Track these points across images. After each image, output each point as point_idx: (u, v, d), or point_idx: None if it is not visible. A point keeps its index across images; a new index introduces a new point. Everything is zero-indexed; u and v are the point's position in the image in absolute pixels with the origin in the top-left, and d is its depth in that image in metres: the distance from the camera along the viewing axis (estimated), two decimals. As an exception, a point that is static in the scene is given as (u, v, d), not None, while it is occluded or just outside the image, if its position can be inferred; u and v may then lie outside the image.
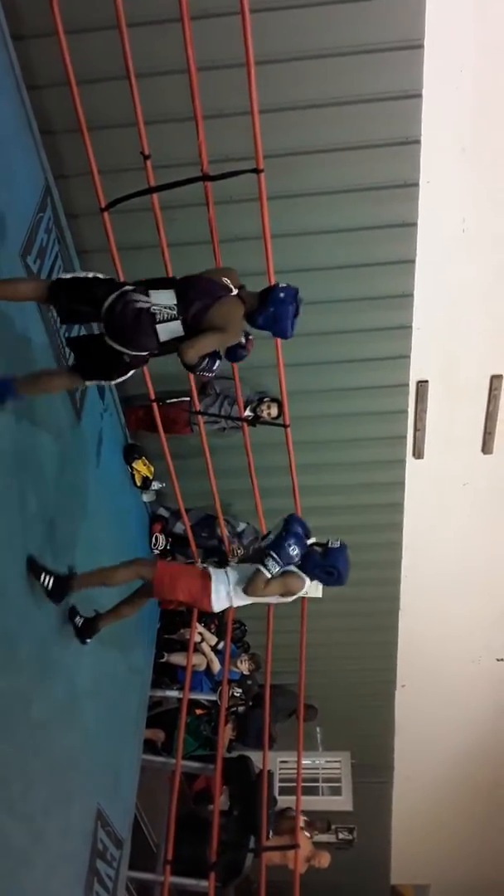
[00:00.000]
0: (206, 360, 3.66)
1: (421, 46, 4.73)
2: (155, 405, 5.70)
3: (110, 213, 4.48)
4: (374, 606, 8.28)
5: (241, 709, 7.00)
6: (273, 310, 3.61)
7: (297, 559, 4.00)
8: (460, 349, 6.34)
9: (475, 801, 11.29)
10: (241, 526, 6.75)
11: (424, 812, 11.43)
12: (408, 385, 6.48)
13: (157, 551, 6.72)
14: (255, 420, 5.98)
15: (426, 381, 6.52)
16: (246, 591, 4.11)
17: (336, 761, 10.89)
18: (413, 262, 5.66)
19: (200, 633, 6.86)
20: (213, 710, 6.84)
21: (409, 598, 8.28)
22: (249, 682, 7.07)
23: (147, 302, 3.49)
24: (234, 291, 3.61)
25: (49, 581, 3.84)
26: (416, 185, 5.28)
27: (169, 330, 3.51)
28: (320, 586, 6.50)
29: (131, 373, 3.77)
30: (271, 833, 6.38)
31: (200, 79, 4.08)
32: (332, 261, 5.66)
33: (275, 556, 3.96)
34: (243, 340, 3.87)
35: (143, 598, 4.47)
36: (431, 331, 6.15)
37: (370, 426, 6.70)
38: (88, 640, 4.39)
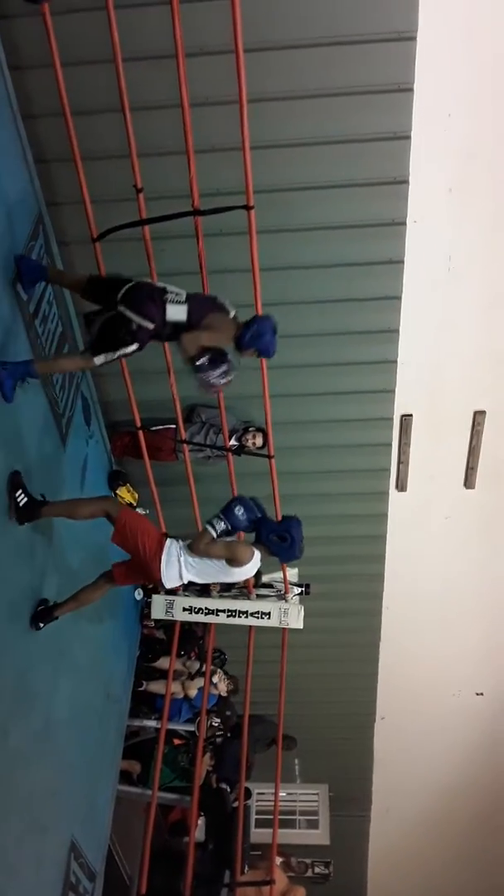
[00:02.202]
0: (207, 359, 4.00)
1: (411, 90, 4.84)
2: (141, 432, 5.71)
3: (101, 242, 4.52)
4: (355, 638, 8.28)
5: (218, 739, 6.93)
6: (256, 326, 4.05)
7: (244, 522, 4.13)
8: (444, 384, 6.41)
9: (454, 836, 11.21)
10: (224, 555, 6.74)
11: (402, 846, 11.34)
12: (392, 419, 6.54)
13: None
14: (240, 449, 6.00)
15: (410, 416, 6.58)
16: (190, 547, 4.19)
17: (314, 794, 10.80)
18: (399, 298, 5.75)
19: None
20: (191, 740, 6.78)
21: (389, 631, 8.29)
22: (228, 712, 7.02)
23: (162, 284, 4.06)
24: (231, 313, 4.13)
25: (23, 500, 3.99)
26: (404, 223, 5.37)
27: (174, 311, 3.95)
28: (301, 615, 6.55)
29: (133, 349, 4.03)
30: (247, 867, 6.30)
31: (193, 114, 4.15)
32: (319, 295, 5.74)
33: (221, 515, 4.12)
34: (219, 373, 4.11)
35: (105, 585, 4.50)
36: (416, 366, 6.23)
37: (354, 458, 6.74)
38: (42, 626, 4.32)
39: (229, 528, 4.13)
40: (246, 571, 4.30)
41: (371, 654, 8.50)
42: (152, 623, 6.94)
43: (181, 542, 4.27)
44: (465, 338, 6.13)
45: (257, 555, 4.23)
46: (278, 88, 4.78)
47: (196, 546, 4.16)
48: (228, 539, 4.23)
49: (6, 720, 3.76)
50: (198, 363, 4.00)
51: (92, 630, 5.41)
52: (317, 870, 9.60)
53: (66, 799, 4.65)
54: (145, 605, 6.79)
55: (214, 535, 4.11)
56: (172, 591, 6.60)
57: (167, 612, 6.55)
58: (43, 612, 4.33)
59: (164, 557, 4.18)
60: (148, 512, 6.45)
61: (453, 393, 6.48)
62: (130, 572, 4.45)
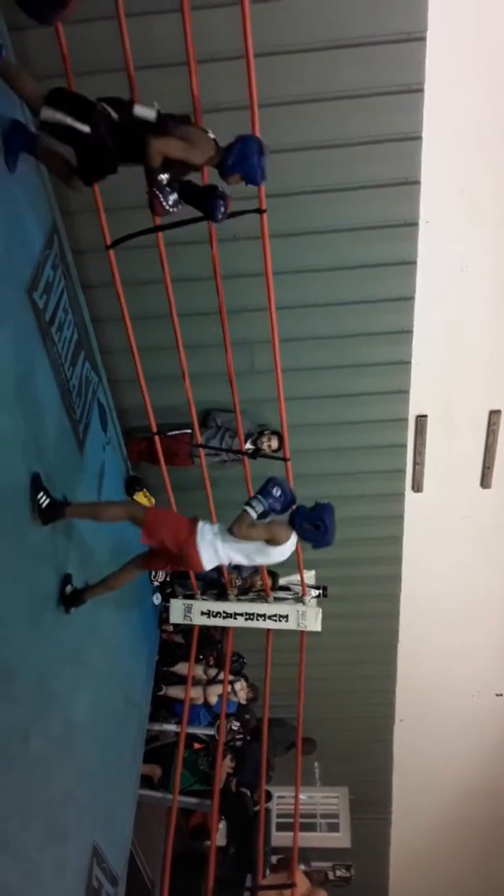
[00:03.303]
0: (168, 178, 3.73)
1: (421, 90, 4.84)
2: (157, 437, 5.74)
3: (115, 249, 4.55)
4: (373, 640, 8.26)
5: (238, 743, 6.94)
6: (238, 147, 3.71)
7: (280, 502, 4.11)
8: (459, 384, 6.40)
9: (475, 838, 11.15)
10: (241, 558, 6.75)
11: (423, 849, 11.28)
12: (407, 419, 6.54)
13: (156, 584, 6.72)
14: (256, 453, 6.01)
15: (425, 416, 6.57)
16: (231, 530, 4.14)
17: (334, 797, 10.77)
18: (412, 299, 5.75)
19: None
20: (211, 744, 6.79)
21: (407, 632, 8.26)
22: (247, 715, 7.02)
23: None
24: (211, 134, 3.80)
25: (45, 501, 3.99)
26: (416, 224, 5.37)
27: (144, 110, 3.67)
28: (319, 617, 6.55)
29: (83, 129, 3.65)
30: (268, 871, 6.29)
31: (205, 120, 4.17)
32: (333, 297, 5.75)
33: (260, 497, 4.10)
34: (221, 195, 3.90)
35: (134, 569, 4.56)
36: (430, 366, 6.22)
37: (370, 460, 6.74)
38: (73, 610, 4.38)
39: (266, 509, 4.10)
40: (284, 551, 4.29)
41: (389, 656, 8.48)
42: (171, 627, 6.96)
43: (214, 525, 4.29)
44: (479, 337, 6.12)
45: (294, 536, 4.24)
46: (289, 92, 4.79)
47: (236, 530, 4.11)
48: (266, 520, 4.22)
49: (27, 725, 3.78)
50: (157, 177, 3.71)
51: (111, 635, 5.43)
52: (338, 873, 9.55)
53: (88, 803, 4.66)
54: (164, 610, 6.81)
55: (255, 516, 4.09)
56: (191, 596, 6.64)
57: (185, 616, 6.58)
58: (73, 596, 4.38)
59: (199, 541, 4.20)
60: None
61: (468, 393, 6.47)
62: (170, 562, 4.50)
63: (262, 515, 4.14)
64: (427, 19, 4.55)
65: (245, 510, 4.11)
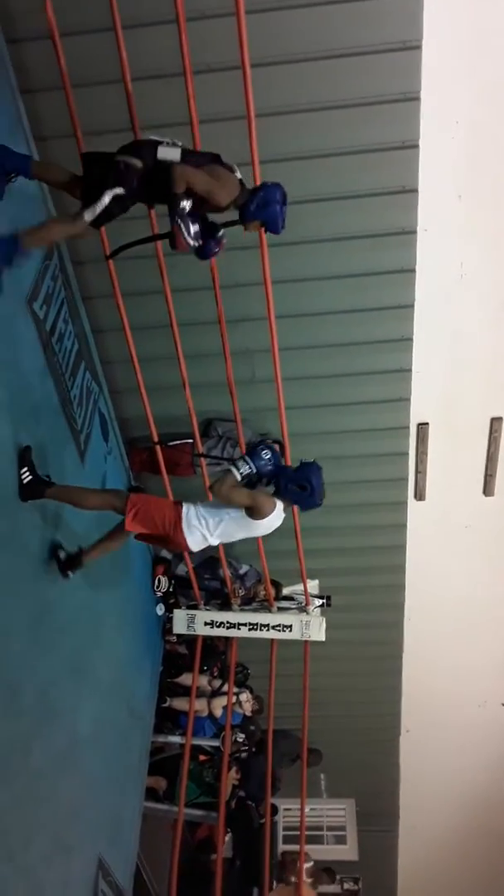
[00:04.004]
0: (190, 204, 3.62)
1: (417, 99, 4.86)
2: (158, 447, 5.74)
3: (115, 259, 4.56)
4: (378, 650, 8.22)
5: (244, 754, 6.90)
6: (262, 193, 3.71)
7: (269, 467, 3.96)
8: (460, 392, 6.39)
9: (483, 850, 11.04)
10: (244, 568, 6.74)
11: (431, 862, 11.17)
12: (408, 427, 6.52)
13: (159, 594, 6.70)
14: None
15: (427, 424, 6.56)
16: (212, 488, 4.00)
17: (340, 809, 10.70)
18: (412, 306, 5.75)
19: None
20: (216, 756, 6.75)
21: (412, 642, 8.22)
22: (252, 727, 6.98)
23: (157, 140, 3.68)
24: (237, 174, 3.73)
25: (27, 478, 3.87)
26: (414, 232, 5.38)
27: (168, 152, 3.60)
28: (323, 627, 6.53)
29: (118, 192, 3.61)
30: (275, 884, 6.24)
31: (203, 130, 4.20)
32: (332, 306, 5.75)
33: (247, 458, 3.96)
34: (197, 228, 3.75)
35: (124, 534, 4.40)
36: (431, 374, 6.21)
37: (371, 468, 6.72)
38: (71, 574, 4.32)
39: (253, 471, 3.95)
40: (268, 525, 4.15)
41: (394, 666, 8.43)
42: (174, 638, 6.93)
43: (199, 505, 4.17)
44: (480, 344, 6.11)
45: (279, 506, 4.08)
46: (286, 102, 4.81)
47: (219, 489, 3.94)
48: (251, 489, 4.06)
49: (29, 738, 3.76)
50: (180, 204, 3.61)
51: (114, 646, 5.41)
52: (346, 886, 9.46)
53: (92, 817, 4.63)
54: (167, 620, 6.79)
55: (238, 477, 3.93)
56: (194, 606, 6.62)
57: (189, 626, 6.56)
58: (70, 561, 4.32)
59: (184, 526, 4.09)
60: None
61: (469, 400, 6.45)
62: (156, 542, 4.43)
63: (246, 478, 3.97)
64: (422, 28, 4.58)
65: (230, 469, 3.97)
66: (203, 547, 4.27)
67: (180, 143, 3.67)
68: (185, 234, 3.68)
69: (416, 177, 5.15)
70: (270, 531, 4.26)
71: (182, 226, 3.65)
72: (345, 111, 4.89)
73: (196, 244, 3.76)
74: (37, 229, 3.85)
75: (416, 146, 5.02)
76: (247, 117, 4.02)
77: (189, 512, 4.13)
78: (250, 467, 3.94)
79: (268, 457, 3.96)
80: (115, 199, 3.60)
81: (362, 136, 4.97)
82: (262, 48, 4.32)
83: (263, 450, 3.98)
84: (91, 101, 4.43)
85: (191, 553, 5.09)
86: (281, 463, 4.08)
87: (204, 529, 4.12)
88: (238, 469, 3.94)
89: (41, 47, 4.20)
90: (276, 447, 4.15)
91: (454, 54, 4.76)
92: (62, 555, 4.33)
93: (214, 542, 4.22)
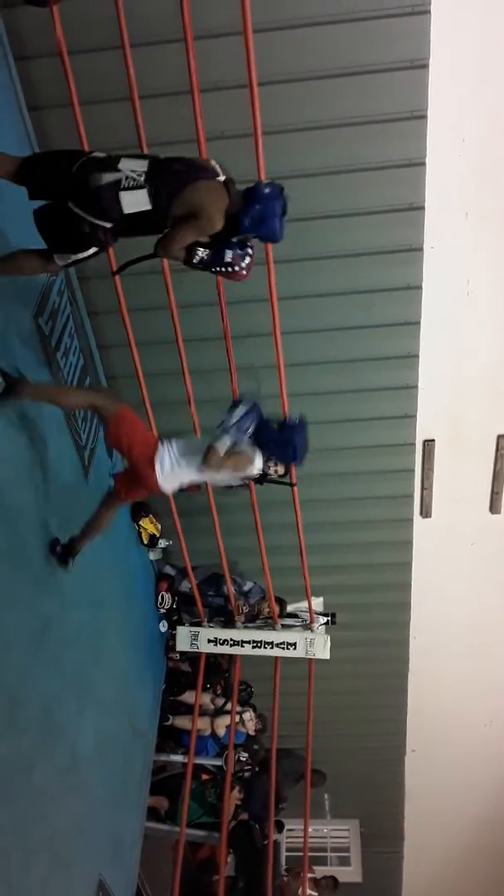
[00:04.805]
0: (202, 251, 3.36)
1: (425, 117, 4.88)
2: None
3: (121, 275, 4.57)
4: (383, 668, 8.15)
5: (247, 774, 6.82)
6: (259, 207, 3.29)
7: (249, 431, 3.89)
8: (467, 409, 6.37)
9: (490, 871, 10.89)
10: (248, 585, 6.70)
11: (437, 882, 11.03)
12: (414, 444, 6.49)
13: (162, 611, 6.66)
14: (263, 478, 5.95)
15: (433, 441, 6.53)
16: (200, 469, 3.89)
17: (345, 830, 10.57)
18: (418, 323, 5.74)
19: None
20: (219, 775, 6.68)
21: (418, 660, 8.15)
22: (256, 746, 6.91)
23: (114, 172, 3.18)
24: (220, 177, 3.29)
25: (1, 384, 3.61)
26: (421, 249, 5.38)
27: (134, 200, 3.16)
28: (327, 645, 6.47)
29: (95, 251, 3.43)
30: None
31: (210, 148, 4.21)
32: (338, 322, 5.74)
33: (228, 430, 3.85)
34: (232, 253, 3.43)
35: (111, 507, 4.32)
36: (437, 390, 6.19)
37: (377, 485, 6.69)
38: (71, 561, 4.21)
39: (235, 440, 3.86)
40: (249, 475, 4.10)
41: (399, 685, 8.35)
42: (177, 656, 6.88)
43: (174, 448, 3.96)
44: (486, 361, 6.09)
45: (259, 457, 4.00)
46: (293, 120, 4.83)
47: (206, 467, 3.85)
48: (233, 452, 3.91)
49: (31, 755, 3.72)
50: (198, 262, 3.37)
51: (117, 663, 5.36)
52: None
53: (93, 836, 4.58)
54: (170, 637, 6.74)
55: (222, 453, 3.83)
56: (197, 623, 6.58)
57: (192, 643, 6.52)
58: (65, 551, 4.21)
59: (157, 468, 3.91)
60: (171, 542, 6.46)
61: (476, 417, 6.43)
62: (131, 483, 4.19)
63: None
64: (430, 46, 4.60)
65: (213, 447, 3.82)
66: (175, 486, 4.07)
67: (141, 177, 3.17)
68: (237, 267, 3.46)
69: (423, 194, 5.16)
70: (249, 477, 4.17)
71: (225, 268, 3.46)
72: (352, 129, 4.90)
73: (248, 261, 3.50)
74: (7, 262, 3.60)
75: (424, 164, 5.03)
76: (254, 134, 4.03)
77: (164, 455, 3.93)
78: (231, 437, 3.85)
79: (247, 423, 3.87)
80: (91, 254, 3.43)
81: (370, 153, 4.99)
82: (270, 66, 4.34)
83: (242, 419, 3.86)
84: (98, 118, 4.45)
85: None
86: (261, 419, 3.95)
87: (178, 474, 3.96)
88: (222, 443, 3.83)
89: (49, 65, 4.23)
90: (253, 405, 3.95)
91: (461, 73, 4.78)
92: (59, 548, 4.23)
93: (186, 482, 4.06)
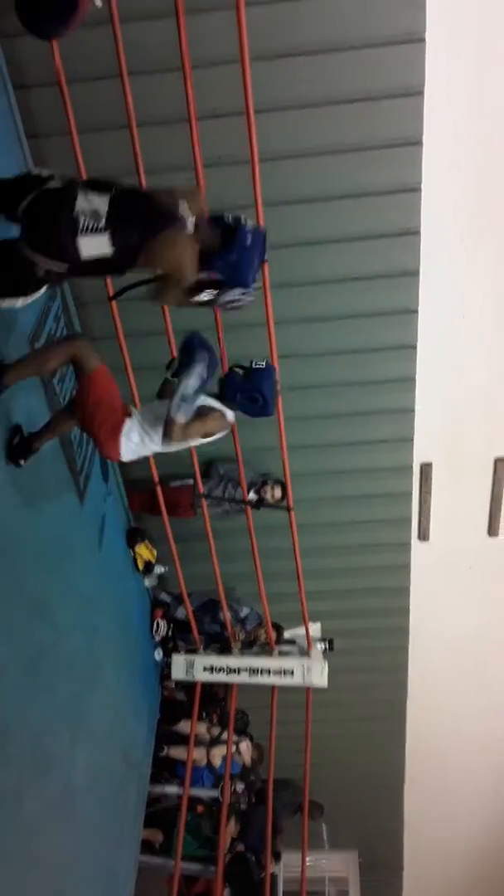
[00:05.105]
0: (206, 294, 3.14)
1: (420, 143, 4.93)
2: (159, 488, 5.68)
3: (118, 300, 4.57)
4: (381, 695, 8.06)
5: (243, 805, 6.71)
6: (236, 257, 3.04)
7: (204, 387, 3.47)
8: (464, 432, 6.36)
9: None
10: (245, 611, 6.63)
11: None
12: (411, 467, 6.48)
13: (157, 639, 6.58)
14: (259, 503, 5.94)
15: (430, 464, 6.52)
16: (166, 440, 3.54)
17: (343, 860, 10.39)
18: (414, 347, 5.75)
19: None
20: (215, 807, 6.56)
21: (417, 686, 8.07)
22: (252, 776, 6.80)
23: (71, 207, 2.82)
24: (189, 223, 2.93)
25: None
26: (417, 273, 5.41)
27: (93, 244, 2.83)
28: (325, 672, 6.40)
29: (43, 290, 3.15)
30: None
31: (207, 174, 4.23)
32: (335, 346, 5.75)
33: (182, 400, 3.40)
34: (239, 290, 3.21)
35: (62, 419, 3.90)
36: (434, 413, 6.19)
37: (374, 509, 6.67)
38: (23, 463, 3.79)
39: (191, 405, 3.46)
40: (219, 436, 3.77)
41: (398, 712, 8.26)
42: (172, 684, 6.79)
43: (144, 420, 3.63)
44: (483, 384, 6.10)
45: (229, 417, 3.66)
46: (290, 147, 4.87)
47: (171, 441, 3.52)
48: (197, 418, 3.56)
49: (21, 787, 3.63)
50: (204, 302, 3.18)
51: (111, 692, 5.28)
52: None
53: (86, 870, 4.47)
54: (165, 666, 6.65)
55: (184, 422, 3.47)
56: (193, 650, 6.51)
57: (188, 672, 6.43)
58: (20, 447, 3.81)
59: (122, 441, 3.62)
60: (167, 569, 6.40)
61: (473, 440, 6.42)
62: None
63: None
64: (425, 74, 4.65)
65: (172, 420, 3.44)
66: (138, 455, 3.77)
67: (102, 219, 2.82)
68: (241, 299, 3.24)
69: (419, 219, 5.20)
70: (222, 436, 3.82)
71: (229, 304, 3.24)
72: (349, 155, 4.95)
73: (250, 295, 3.28)
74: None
75: (419, 189, 5.07)
76: (251, 161, 4.05)
77: (132, 432, 3.63)
78: (190, 405, 3.46)
79: (197, 388, 3.41)
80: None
81: (366, 179, 5.04)
82: (267, 94, 4.38)
83: (197, 381, 3.39)
84: (96, 146, 4.47)
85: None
86: (216, 366, 3.54)
87: (147, 447, 3.68)
88: (182, 413, 3.43)
89: (48, 93, 4.26)
90: (211, 360, 3.47)
91: (456, 99, 4.84)
92: (17, 439, 3.83)
93: (155, 449, 3.74)
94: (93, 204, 2.81)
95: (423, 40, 4.58)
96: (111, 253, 2.85)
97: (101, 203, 2.81)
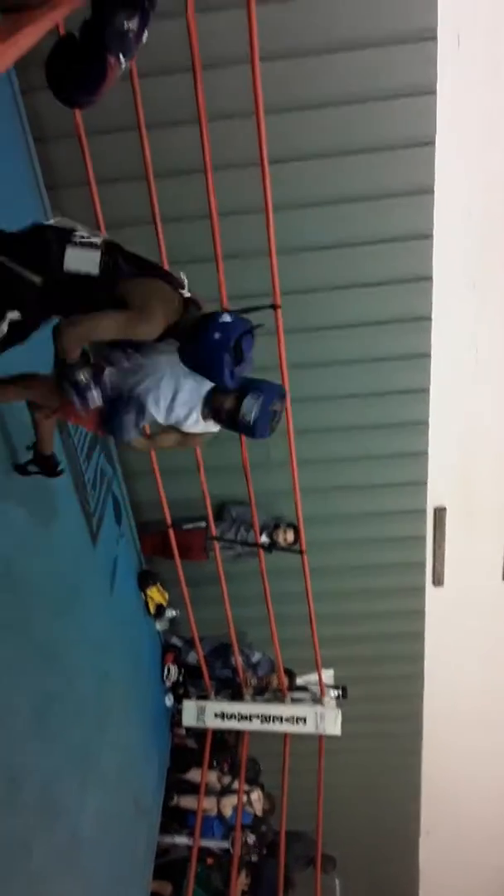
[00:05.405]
0: (88, 374, 2.67)
1: (431, 192, 5.02)
2: (171, 530, 5.68)
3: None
4: (396, 744, 7.91)
5: (254, 857, 6.53)
6: (201, 353, 2.64)
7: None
8: (477, 476, 6.34)
9: None
10: (257, 656, 6.55)
11: None
12: (425, 511, 6.45)
13: (168, 685, 6.50)
14: (272, 546, 5.91)
15: (444, 508, 6.48)
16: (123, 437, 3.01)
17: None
18: (427, 391, 5.77)
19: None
20: (225, 858, 6.39)
21: (432, 734, 7.90)
22: (263, 827, 6.64)
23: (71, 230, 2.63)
24: (185, 290, 2.75)
25: None
26: (429, 318, 5.46)
27: (80, 258, 2.55)
28: (338, 720, 6.28)
29: (14, 317, 2.58)
30: None
31: (222, 223, 4.30)
32: (348, 390, 5.79)
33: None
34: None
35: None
36: (447, 457, 6.19)
37: (388, 553, 6.62)
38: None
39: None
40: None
41: (413, 762, 8.08)
42: (183, 731, 6.68)
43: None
44: (496, 429, 6.10)
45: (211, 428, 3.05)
46: (304, 195, 4.97)
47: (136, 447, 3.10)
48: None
49: (30, 836, 3.56)
50: (71, 372, 2.65)
51: (121, 738, 5.20)
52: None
53: (93, 925, 4.36)
54: (176, 713, 6.56)
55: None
56: (204, 696, 6.42)
57: (199, 718, 6.34)
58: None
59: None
60: (178, 612, 6.36)
61: (487, 485, 6.40)
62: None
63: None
64: (436, 125, 4.76)
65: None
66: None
67: (100, 240, 2.63)
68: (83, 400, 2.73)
69: (431, 266, 5.27)
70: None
71: (82, 397, 2.72)
72: (362, 204, 5.06)
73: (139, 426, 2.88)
74: None
75: (431, 236, 5.15)
76: (265, 210, 4.12)
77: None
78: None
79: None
80: (12, 325, 2.60)
81: (379, 227, 5.13)
82: (281, 145, 4.46)
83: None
84: (114, 196, 4.58)
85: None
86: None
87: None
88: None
89: (67, 145, 4.38)
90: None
91: (467, 149, 4.94)
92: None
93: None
94: (93, 233, 2.66)
95: (433, 93, 4.70)
96: (96, 274, 2.56)
97: (99, 237, 2.66)
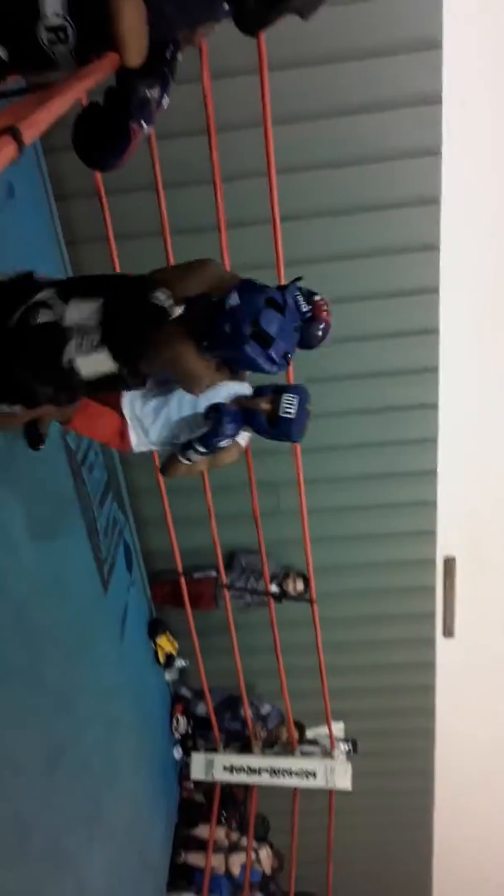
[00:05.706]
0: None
1: (437, 249, 5.16)
2: (182, 579, 5.70)
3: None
4: (407, 801, 7.73)
5: (263, 918, 6.38)
6: (227, 350, 2.50)
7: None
8: (488, 526, 6.35)
9: None
10: (266, 708, 6.48)
11: None
12: (434, 561, 6.44)
13: (177, 736, 6.43)
14: (282, 595, 5.92)
15: (453, 558, 6.48)
16: (164, 473, 3.08)
17: None
18: (435, 440, 5.83)
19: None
20: (233, 918, 6.24)
21: (443, 792, 7.73)
22: (272, 886, 6.48)
23: (65, 341, 2.37)
24: (175, 311, 2.46)
25: None
26: (436, 370, 5.55)
27: (94, 362, 2.38)
28: (349, 774, 6.17)
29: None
30: None
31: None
32: (358, 439, 5.85)
33: (200, 447, 2.87)
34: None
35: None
36: (456, 507, 6.20)
37: (398, 603, 6.59)
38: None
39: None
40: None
41: (424, 819, 7.88)
42: (192, 785, 6.58)
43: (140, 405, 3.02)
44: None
45: (244, 440, 3.06)
46: (314, 253, 5.10)
47: (170, 474, 3.05)
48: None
49: (37, 888, 3.51)
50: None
51: (129, 790, 5.14)
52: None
53: None
54: (184, 766, 6.47)
55: (188, 463, 2.96)
56: (213, 749, 6.35)
57: (207, 772, 6.26)
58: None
59: (131, 435, 3.05)
60: (188, 663, 6.33)
61: (497, 535, 6.39)
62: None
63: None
64: (441, 184, 4.93)
65: (176, 457, 2.96)
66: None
67: (96, 326, 2.37)
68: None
69: (437, 319, 5.39)
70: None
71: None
72: (366, 260, 5.19)
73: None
74: None
75: (437, 291, 5.29)
76: (276, 267, 4.25)
77: (133, 423, 3.05)
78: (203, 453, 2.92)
79: (230, 432, 2.88)
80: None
81: (385, 284, 5.25)
82: (293, 205, 4.61)
83: (225, 430, 2.85)
84: (132, 252, 4.74)
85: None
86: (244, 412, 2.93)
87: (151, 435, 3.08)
88: (187, 457, 2.93)
89: (86, 203, 4.55)
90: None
91: (473, 207, 5.10)
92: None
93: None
94: (83, 314, 2.39)
95: (438, 154, 4.87)
96: (114, 368, 2.40)
97: (90, 312, 2.39)
